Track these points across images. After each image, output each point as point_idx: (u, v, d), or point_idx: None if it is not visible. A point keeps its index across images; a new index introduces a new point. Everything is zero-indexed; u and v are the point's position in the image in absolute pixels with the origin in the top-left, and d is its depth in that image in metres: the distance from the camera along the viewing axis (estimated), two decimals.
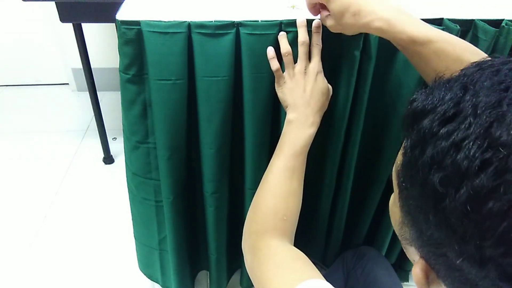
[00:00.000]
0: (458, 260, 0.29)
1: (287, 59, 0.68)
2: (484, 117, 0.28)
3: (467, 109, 0.29)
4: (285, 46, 0.67)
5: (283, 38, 0.68)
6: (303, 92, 0.67)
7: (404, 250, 0.41)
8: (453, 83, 0.32)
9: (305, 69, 0.68)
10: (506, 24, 0.69)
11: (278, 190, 0.64)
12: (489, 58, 0.33)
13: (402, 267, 1.23)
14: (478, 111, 0.28)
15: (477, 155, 0.27)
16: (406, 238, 0.37)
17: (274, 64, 0.68)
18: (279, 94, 0.70)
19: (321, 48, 0.68)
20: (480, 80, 0.30)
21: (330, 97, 0.71)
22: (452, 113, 0.30)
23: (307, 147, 0.67)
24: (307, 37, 0.67)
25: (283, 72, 0.70)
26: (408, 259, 1.25)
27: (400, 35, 0.57)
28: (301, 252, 0.56)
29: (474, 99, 0.29)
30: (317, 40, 0.68)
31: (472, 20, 0.71)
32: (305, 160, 0.67)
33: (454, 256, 0.29)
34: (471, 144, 0.27)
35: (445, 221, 0.29)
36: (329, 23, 0.64)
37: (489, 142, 0.27)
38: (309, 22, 0.67)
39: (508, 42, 0.71)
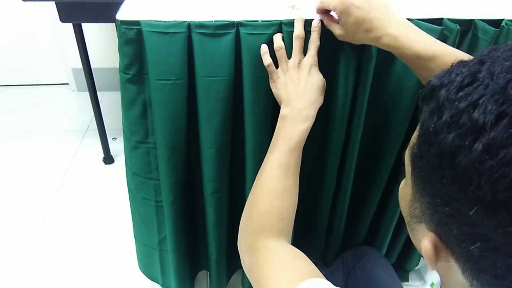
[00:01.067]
0: (472, 211, 0.30)
1: (279, 53, 0.67)
2: (501, 79, 0.30)
3: (484, 76, 0.31)
4: (277, 41, 0.67)
5: (277, 35, 0.68)
6: (297, 86, 0.67)
7: (411, 234, 0.42)
8: (470, 61, 0.34)
9: (299, 63, 0.67)
10: (506, 24, 0.69)
11: (273, 188, 0.63)
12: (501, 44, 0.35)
13: (402, 267, 1.23)
14: (494, 76, 0.30)
15: (493, 109, 0.29)
16: (416, 216, 0.38)
17: (267, 59, 0.68)
18: (273, 90, 0.70)
19: (318, 45, 0.68)
20: (496, 54, 0.32)
21: (324, 91, 0.70)
22: (469, 80, 0.31)
23: (302, 142, 0.66)
24: (303, 32, 0.67)
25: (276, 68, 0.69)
26: (408, 259, 1.24)
27: (407, 51, 0.60)
28: (299, 251, 0.56)
29: (490, 68, 0.31)
30: (315, 38, 0.67)
31: (472, 20, 0.71)
32: (300, 156, 0.66)
33: (467, 208, 0.30)
34: (487, 100, 0.29)
35: (462, 173, 0.30)
36: (338, 32, 0.64)
37: (504, 97, 0.29)
38: (308, 22, 0.67)
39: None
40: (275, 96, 0.70)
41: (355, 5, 0.59)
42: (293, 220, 0.64)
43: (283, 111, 0.67)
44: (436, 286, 0.51)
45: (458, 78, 0.32)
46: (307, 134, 0.66)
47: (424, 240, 0.36)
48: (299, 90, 0.66)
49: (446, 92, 0.32)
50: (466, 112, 0.30)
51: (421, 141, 0.35)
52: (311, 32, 0.67)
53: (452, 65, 0.36)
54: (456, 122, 0.30)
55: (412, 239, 0.43)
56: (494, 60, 0.32)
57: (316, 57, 0.68)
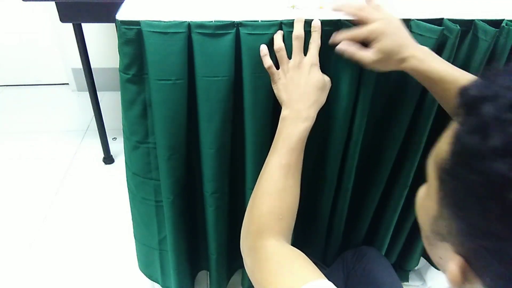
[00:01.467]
0: None
1: (280, 54, 0.67)
2: None
3: None
4: (278, 42, 0.67)
5: (277, 35, 0.67)
6: (297, 87, 0.66)
7: (429, 247, 0.40)
8: None
9: (299, 64, 0.67)
10: (506, 24, 0.69)
11: (273, 189, 0.63)
12: None
13: (402, 267, 1.23)
14: None
15: None
16: (440, 233, 0.35)
17: (267, 61, 0.68)
18: (275, 92, 0.70)
19: (319, 45, 0.67)
20: None
21: (328, 91, 0.70)
22: None
23: (302, 143, 0.66)
24: (302, 32, 0.66)
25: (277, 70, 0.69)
26: (408, 259, 1.24)
27: (433, 74, 0.62)
28: (298, 250, 0.56)
29: None
30: (316, 38, 0.67)
31: (472, 20, 0.71)
32: (301, 156, 0.66)
33: None
34: None
35: (509, 213, 0.27)
36: (370, 59, 0.64)
37: None
38: (308, 22, 0.67)
39: (508, 42, 0.71)
40: (277, 97, 0.70)
41: (387, 31, 0.62)
42: (294, 220, 0.64)
43: (283, 112, 0.67)
44: None
45: (509, 94, 0.28)
46: (307, 134, 0.66)
47: (451, 264, 0.34)
48: (299, 91, 0.66)
49: (493, 109, 0.28)
50: None
51: (458, 160, 0.31)
52: (311, 33, 0.67)
53: (486, 71, 0.33)
54: (511, 151, 0.27)
55: (429, 253, 0.41)
56: None
57: (317, 57, 0.67)
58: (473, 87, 0.32)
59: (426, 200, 0.38)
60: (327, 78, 0.69)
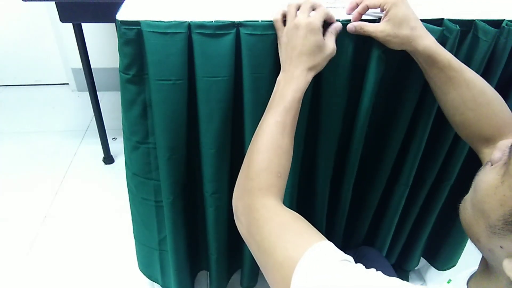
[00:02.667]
0: None
1: (288, 9, 0.64)
2: None
3: None
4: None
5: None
6: (293, 48, 0.64)
7: (487, 234, 0.42)
8: None
9: (299, 24, 0.63)
10: (506, 25, 0.69)
11: (270, 146, 0.61)
12: None
13: (402, 267, 1.23)
14: None
15: None
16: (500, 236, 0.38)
17: (275, 15, 0.65)
18: (279, 55, 0.67)
19: (325, 11, 0.64)
20: None
21: (327, 56, 0.65)
22: None
23: (297, 104, 0.63)
24: None
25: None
26: (408, 259, 1.24)
27: (442, 57, 0.63)
28: (297, 213, 0.54)
29: None
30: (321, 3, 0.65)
31: (472, 21, 0.71)
32: (296, 117, 0.64)
33: None
34: None
35: None
36: (382, 27, 0.64)
37: None
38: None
39: (509, 43, 0.71)
40: (280, 62, 0.67)
41: (399, 2, 0.63)
42: (286, 181, 0.62)
43: (279, 77, 0.66)
44: (453, 283, 0.50)
45: None
46: (302, 96, 0.64)
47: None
48: (295, 52, 0.63)
49: None
50: None
51: None
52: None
53: None
54: None
55: (480, 240, 0.43)
56: None
57: (319, 20, 0.63)
58: None
59: (502, 188, 0.40)
60: (330, 44, 0.65)
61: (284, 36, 0.65)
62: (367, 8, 0.66)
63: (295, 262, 0.44)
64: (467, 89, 0.63)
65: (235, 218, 0.61)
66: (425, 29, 0.64)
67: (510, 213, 0.38)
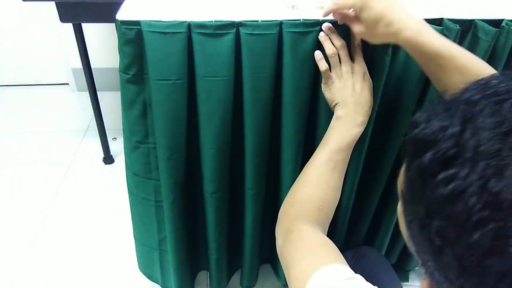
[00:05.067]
0: None
1: (334, 60, 0.69)
2: (482, 167, 0.27)
3: (467, 151, 0.28)
4: (330, 47, 0.68)
5: (326, 40, 0.68)
6: (353, 90, 0.69)
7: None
8: (453, 111, 0.31)
9: (352, 70, 0.69)
10: (506, 24, 0.69)
11: (317, 181, 0.65)
12: (495, 78, 0.31)
13: (402, 267, 1.23)
14: (477, 157, 0.27)
15: (475, 210, 0.27)
16: (412, 252, 0.37)
17: (323, 65, 0.69)
18: (327, 95, 0.72)
19: (361, 48, 0.69)
20: (481, 114, 0.29)
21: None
22: (452, 153, 0.29)
23: (353, 144, 0.68)
24: (342, 40, 0.68)
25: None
26: (408, 259, 1.24)
27: (427, 47, 0.59)
28: (330, 240, 0.58)
29: (474, 140, 0.28)
30: (357, 41, 0.69)
31: (472, 20, 0.71)
32: (349, 156, 0.68)
33: None
34: (469, 197, 0.27)
35: (444, 270, 0.29)
36: (358, 29, 0.64)
37: (487, 198, 0.26)
38: (333, 24, 0.68)
39: (508, 42, 0.71)
40: (328, 100, 0.72)
41: (371, 1, 0.59)
42: (332, 215, 0.67)
43: (339, 112, 0.69)
44: None
45: (441, 145, 0.29)
46: (358, 138, 0.69)
47: (423, 281, 0.37)
48: (355, 94, 0.69)
49: (429, 162, 0.30)
50: (448, 204, 0.28)
51: (407, 202, 0.34)
52: (352, 36, 0.69)
53: (435, 101, 0.33)
54: (438, 211, 0.29)
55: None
56: (478, 126, 0.28)
57: (364, 63, 0.70)
58: (418, 123, 0.33)
59: (400, 219, 0.40)
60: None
61: (336, 82, 0.70)
62: (341, 14, 0.65)
63: (308, 277, 0.48)
64: (460, 76, 0.59)
65: (276, 240, 0.65)
66: (406, 19, 0.59)
67: (405, 238, 0.37)
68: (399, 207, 0.39)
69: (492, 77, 0.32)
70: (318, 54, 0.70)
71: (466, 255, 0.27)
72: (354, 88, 0.69)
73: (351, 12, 0.64)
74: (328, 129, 0.70)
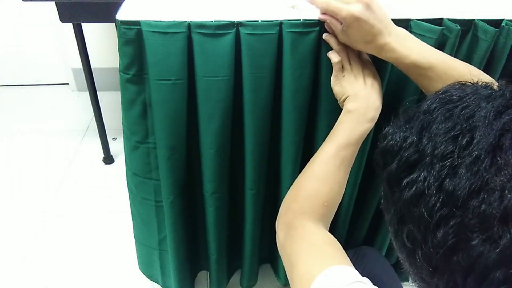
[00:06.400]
0: None
1: (342, 54, 0.68)
2: (438, 168, 0.30)
3: (425, 156, 0.31)
4: (337, 43, 0.68)
5: (331, 37, 0.68)
6: (364, 84, 0.68)
7: None
8: (413, 122, 0.34)
9: (361, 65, 0.69)
10: (506, 24, 0.69)
11: (323, 175, 0.64)
12: (453, 87, 0.35)
13: (402, 267, 1.23)
14: (434, 160, 0.30)
15: (435, 209, 0.29)
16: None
17: (335, 57, 0.68)
18: (336, 88, 0.70)
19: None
20: (436, 122, 0.32)
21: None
22: (413, 159, 0.32)
23: (361, 141, 0.66)
24: (340, 45, 0.68)
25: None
26: None
27: (404, 60, 0.62)
28: (334, 238, 0.57)
29: (430, 146, 0.31)
30: None
31: (472, 20, 0.71)
32: (356, 152, 0.67)
33: None
34: (429, 197, 0.29)
35: (419, 272, 0.31)
36: (341, 37, 0.65)
37: (444, 196, 0.29)
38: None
39: (508, 42, 0.71)
40: (338, 94, 0.70)
41: (363, 19, 0.59)
42: (335, 211, 0.65)
43: (349, 105, 0.67)
44: None
45: (403, 154, 0.33)
46: (367, 134, 0.67)
47: None
48: (367, 88, 0.68)
49: (394, 170, 0.33)
50: (412, 209, 0.31)
51: (384, 205, 0.37)
52: None
53: (398, 114, 0.37)
54: (404, 216, 0.31)
55: None
56: (433, 133, 0.32)
57: (371, 61, 0.70)
58: (385, 137, 0.36)
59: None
60: None
61: (347, 75, 0.69)
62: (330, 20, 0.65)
63: (314, 277, 0.47)
64: (441, 83, 0.60)
65: (276, 233, 0.64)
66: (386, 34, 0.61)
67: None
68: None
69: (450, 86, 0.36)
70: (330, 51, 0.70)
71: (433, 254, 0.29)
72: (365, 82, 0.68)
73: (338, 25, 0.63)
74: (336, 123, 0.68)
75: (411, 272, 0.34)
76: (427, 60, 0.60)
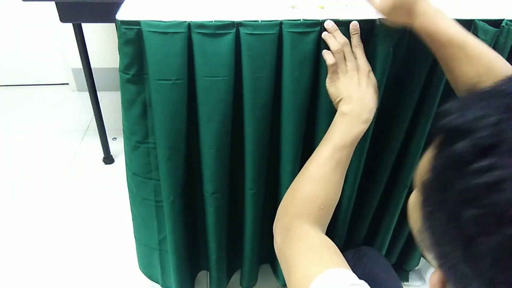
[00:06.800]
0: None
1: (339, 56, 0.68)
2: None
3: (506, 141, 0.27)
4: (335, 44, 0.68)
5: (330, 37, 0.68)
6: (358, 86, 0.68)
7: (422, 252, 0.41)
8: (493, 101, 0.30)
9: (357, 66, 0.69)
10: (506, 24, 0.69)
11: (319, 178, 0.64)
12: None
13: (402, 267, 1.23)
14: None
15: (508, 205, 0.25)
16: (425, 245, 0.35)
17: (330, 58, 0.69)
18: (331, 90, 0.71)
19: (363, 47, 0.69)
20: None
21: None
22: (489, 142, 0.27)
23: (356, 142, 0.67)
24: (345, 38, 0.68)
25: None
26: (408, 259, 1.24)
27: (440, 34, 0.60)
28: (331, 241, 0.57)
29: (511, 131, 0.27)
30: (357, 41, 0.69)
31: (472, 20, 0.71)
32: (351, 154, 0.67)
33: None
34: (509, 187, 0.26)
35: (475, 260, 0.27)
36: (379, 5, 0.63)
37: None
38: (336, 22, 0.68)
39: (508, 42, 0.71)
40: (332, 95, 0.71)
41: None
42: (332, 213, 0.65)
43: (343, 107, 0.67)
44: None
45: (479, 134, 0.28)
46: (362, 136, 0.67)
47: (433, 277, 0.35)
48: (361, 90, 0.68)
49: (463, 150, 0.28)
50: (487, 194, 0.26)
51: (431, 192, 0.32)
52: (352, 36, 0.69)
53: (469, 92, 0.32)
54: (474, 199, 0.27)
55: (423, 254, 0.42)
56: None
57: (368, 62, 0.70)
58: (449, 112, 0.31)
59: (414, 211, 0.38)
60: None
61: (342, 77, 0.69)
62: None
63: (311, 280, 0.47)
64: (470, 66, 0.60)
65: (274, 237, 0.64)
66: (425, 4, 0.61)
67: (418, 232, 0.36)
68: (415, 199, 0.38)
69: None
70: (324, 51, 0.70)
71: (503, 245, 0.26)
72: (359, 83, 0.68)
73: None
74: (331, 125, 0.68)
75: (454, 259, 0.30)
76: (462, 39, 0.60)
